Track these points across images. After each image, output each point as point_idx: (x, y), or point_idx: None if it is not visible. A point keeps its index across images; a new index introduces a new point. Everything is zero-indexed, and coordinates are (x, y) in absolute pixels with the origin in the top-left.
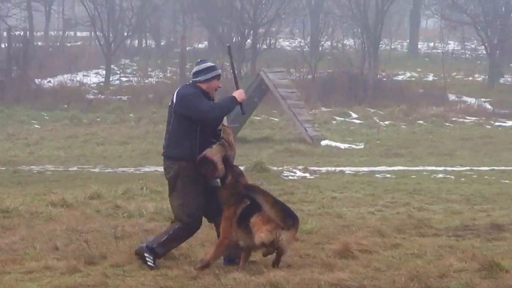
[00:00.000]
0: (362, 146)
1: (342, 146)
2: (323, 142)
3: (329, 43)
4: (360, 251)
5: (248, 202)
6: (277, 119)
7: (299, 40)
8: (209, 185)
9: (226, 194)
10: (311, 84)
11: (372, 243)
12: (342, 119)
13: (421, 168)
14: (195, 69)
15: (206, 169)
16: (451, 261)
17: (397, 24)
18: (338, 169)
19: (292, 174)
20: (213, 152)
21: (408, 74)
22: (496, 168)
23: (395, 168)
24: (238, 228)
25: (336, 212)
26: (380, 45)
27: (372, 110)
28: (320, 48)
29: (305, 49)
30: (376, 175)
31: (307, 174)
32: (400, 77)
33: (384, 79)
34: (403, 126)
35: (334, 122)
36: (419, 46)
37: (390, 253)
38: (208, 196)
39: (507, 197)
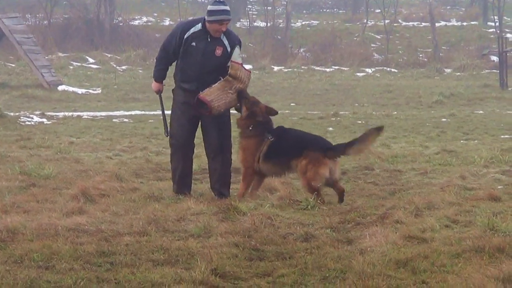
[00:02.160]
0: (100, 91)
1: (80, 91)
2: (60, 87)
3: None
4: (98, 195)
5: (272, 139)
6: (13, 65)
7: None
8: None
9: (242, 125)
10: (47, 30)
11: (110, 188)
12: (79, 64)
13: (158, 112)
14: (208, 7)
15: (202, 110)
16: (189, 204)
17: None
18: (75, 114)
19: (29, 119)
20: (210, 91)
21: (144, 19)
22: None
23: (133, 112)
24: (266, 162)
25: (74, 157)
26: None
27: (109, 55)
28: None
29: None
30: (114, 120)
31: (44, 120)
32: (137, 22)
33: (121, 24)
34: (140, 71)
35: (71, 67)
36: None
37: (128, 197)
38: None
39: None
